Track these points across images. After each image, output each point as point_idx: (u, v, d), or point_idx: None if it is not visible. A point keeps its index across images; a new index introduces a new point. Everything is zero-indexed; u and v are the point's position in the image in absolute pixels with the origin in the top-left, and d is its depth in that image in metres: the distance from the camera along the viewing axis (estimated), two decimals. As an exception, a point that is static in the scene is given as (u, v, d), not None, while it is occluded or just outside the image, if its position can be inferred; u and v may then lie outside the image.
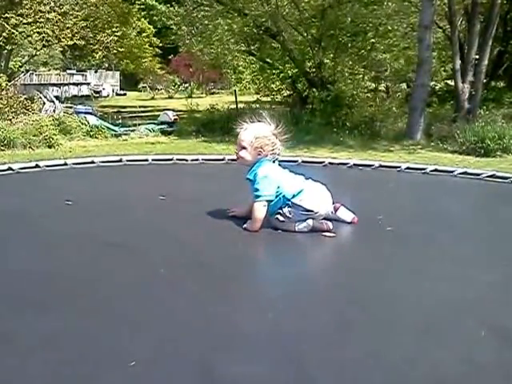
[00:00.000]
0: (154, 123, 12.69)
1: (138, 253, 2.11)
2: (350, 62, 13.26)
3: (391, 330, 1.47)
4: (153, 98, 26.44)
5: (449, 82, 14.22)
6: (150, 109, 19.01)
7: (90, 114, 13.09)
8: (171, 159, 4.73)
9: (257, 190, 2.26)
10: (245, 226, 2.27)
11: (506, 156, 8.07)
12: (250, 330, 1.44)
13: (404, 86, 15.14)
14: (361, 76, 13.50)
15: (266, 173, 2.27)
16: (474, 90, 10.08)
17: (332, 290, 1.78)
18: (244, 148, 2.31)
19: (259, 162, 2.31)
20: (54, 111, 12.90)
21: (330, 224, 2.25)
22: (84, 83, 27.13)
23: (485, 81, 11.40)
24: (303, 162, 4.71)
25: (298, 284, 1.84)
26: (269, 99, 15.56)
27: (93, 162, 4.42)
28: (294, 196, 2.23)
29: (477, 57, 10.09)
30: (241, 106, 13.49)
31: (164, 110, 14.92)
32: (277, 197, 2.25)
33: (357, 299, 1.69)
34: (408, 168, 4.55)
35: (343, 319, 1.53)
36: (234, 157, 2.45)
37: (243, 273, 1.94)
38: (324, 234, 2.22)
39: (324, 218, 2.28)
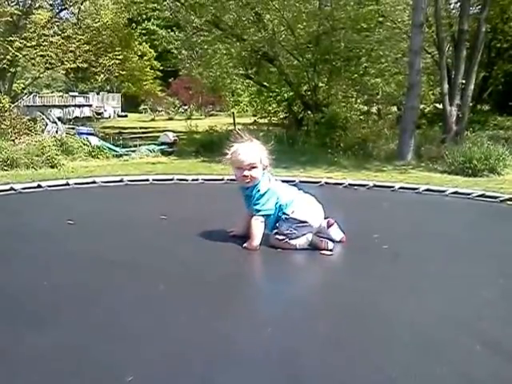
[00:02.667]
0: (155, 144, 12.81)
1: (139, 270, 2.11)
2: (344, 86, 13.56)
3: (389, 347, 1.49)
4: (153, 120, 26.61)
5: (437, 105, 14.59)
6: (150, 130, 19.20)
7: (92, 134, 13.12)
8: (172, 179, 4.81)
9: (256, 204, 2.32)
10: (245, 245, 2.30)
11: (493, 176, 8.25)
12: (248, 347, 1.46)
13: (395, 108, 15.48)
14: (354, 99, 13.83)
15: (267, 187, 2.36)
16: (461, 112, 10.40)
17: (329, 308, 1.78)
18: (254, 167, 2.33)
19: (262, 177, 2.36)
20: (57, 132, 12.83)
21: (330, 244, 2.30)
22: (86, 105, 27.45)
23: (471, 104, 11.75)
24: (300, 181, 4.84)
25: (296, 301, 1.84)
26: (265, 121, 15.82)
27: (94, 182, 4.42)
28: (286, 205, 2.30)
29: (463, 81, 10.42)
30: (239, 127, 13.78)
31: (164, 131, 15.05)
32: (276, 208, 2.32)
33: (354, 317, 1.68)
34: (401, 188, 4.64)
35: (341, 336, 1.54)
36: (238, 178, 2.39)
37: (242, 290, 1.96)
38: (322, 252, 2.26)
39: (317, 233, 2.34)
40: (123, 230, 2.82)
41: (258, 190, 2.34)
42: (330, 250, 2.27)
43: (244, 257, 2.29)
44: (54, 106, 24.81)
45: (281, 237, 2.29)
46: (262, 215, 2.32)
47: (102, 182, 4.39)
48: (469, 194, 4.32)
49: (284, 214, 2.31)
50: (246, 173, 2.32)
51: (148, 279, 2.00)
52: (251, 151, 2.35)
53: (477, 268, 2.31)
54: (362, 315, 1.70)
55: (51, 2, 19.05)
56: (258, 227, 2.30)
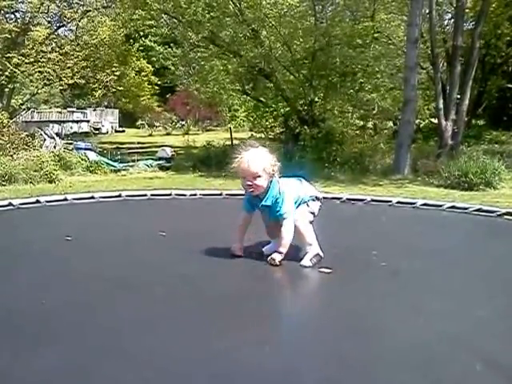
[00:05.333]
0: (153, 159, 12.92)
1: (139, 288, 2.08)
2: (340, 101, 13.62)
3: (389, 366, 1.49)
4: (151, 135, 26.63)
5: (433, 119, 14.72)
6: (148, 145, 19.28)
7: (90, 150, 13.22)
8: (170, 194, 4.80)
9: (281, 209, 2.35)
10: (274, 256, 2.30)
11: (488, 190, 8.28)
12: (249, 366, 1.44)
13: (391, 123, 15.58)
14: (350, 114, 13.92)
15: (283, 190, 2.40)
16: (456, 127, 10.50)
17: (329, 327, 1.76)
18: (259, 177, 2.34)
19: (272, 184, 2.39)
20: (55, 147, 12.93)
21: (320, 253, 2.36)
22: (84, 120, 27.49)
23: (466, 119, 11.89)
24: None
25: (296, 319, 1.84)
26: (262, 136, 15.92)
27: (93, 198, 4.39)
28: (302, 198, 2.45)
29: (458, 96, 10.57)
30: (236, 142, 13.85)
31: (162, 146, 15.17)
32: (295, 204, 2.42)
33: (354, 335, 1.68)
34: (398, 202, 4.64)
35: (341, 355, 1.53)
36: (243, 187, 2.41)
37: (243, 307, 1.93)
38: (321, 270, 2.26)
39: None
40: (122, 246, 2.80)
41: (277, 199, 2.37)
42: (330, 269, 2.26)
43: (244, 273, 2.29)
44: (52, 122, 24.85)
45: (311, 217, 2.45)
46: (290, 218, 2.36)
47: (101, 197, 4.39)
48: (466, 209, 4.32)
49: (305, 201, 2.45)
50: (250, 182, 2.34)
51: (148, 297, 1.99)
52: (255, 161, 2.35)
53: (474, 285, 2.29)
54: (362, 334, 1.70)
55: (49, 19, 19.21)
56: (291, 232, 2.35)
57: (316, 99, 13.27)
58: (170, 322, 1.74)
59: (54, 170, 9.93)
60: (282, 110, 14.58)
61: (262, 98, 15.05)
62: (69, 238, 2.80)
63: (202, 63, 14.66)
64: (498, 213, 4.24)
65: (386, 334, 1.71)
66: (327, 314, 1.90)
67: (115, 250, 2.73)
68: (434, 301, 2.04)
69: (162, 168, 12.26)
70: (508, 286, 2.28)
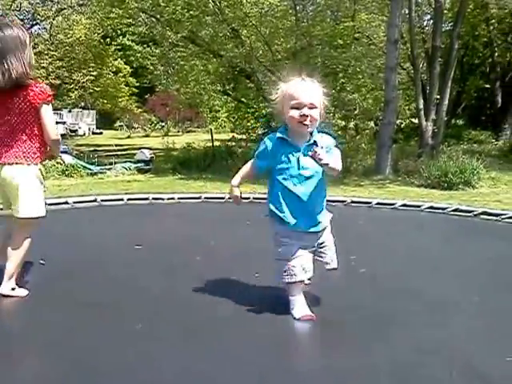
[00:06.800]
0: (131, 161, 12.67)
1: (114, 310, 2.00)
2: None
3: (370, 377, 1.50)
4: (129, 137, 26.31)
5: (413, 119, 14.82)
6: (126, 147, 19.00)
7: (66, 153, 12.84)
8: (147, 198, 4.69)
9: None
10: (320, 152, 1.88)
11: (467, 189, 8.34)
12: None
13: (372, 124, 15.65)
14: (331, 114, 13.95)
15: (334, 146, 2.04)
16: (436, 127, 10.53)
17: (307, 343, 1.78)
18: (315, 108, 1.94)
19: (314, 133, 2.01)
20: None
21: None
22: (60, 122, 27.05)
23: (446, 119, 11.95)
24: None
25: (277, 340, 1.80)
26: (244, 137, 15.83)
27: (66, 203, 4.31)
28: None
29: (438, 97, 10.59)
30: (217, 143, 13.74)
31: (140, 148, 14.96)
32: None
33: (334, 349, 1.70)
34: (378, 203, 4.68)
35: (322, 367, 1.55)
36: (291, 121, 1.94)
37: (224, 328, 1.87)
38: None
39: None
40: (95, 264, 2.65)
41: (329, 148, 1.99)
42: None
43: (225, 290, 2.18)
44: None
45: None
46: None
47: (74, 202, 4.25)
48: (444, 209, 4.42)
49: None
50: (306, 111, 1.93)
51: (123, 318, 1.89)
52: (315, 87, 1.99)
53: (452, 290, 2.29)
54: (339, 348, 1.67)
55: (22, 17, 18.76)
56: (340, 166, 2.03)
57: (297, 99, 13.18)
58: (145, 343, 1.66)
59: (28, 173, 9.67)
60: (263, 111, 14.51)
61: (243, 99, 14.97)
62: (41, 262, 2.61)
63: (182, 63, 14.49)
64: (475, 213, 4.32)
65: (364, 347, 1.67)
66: (305, 331, 1.86)
67: (88, 269, 2.57)
68: (410, 310, 2.03)
69: (140, 171, 12.04)
70: (483, 287, 2.33)
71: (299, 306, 1.98)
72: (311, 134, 1.98)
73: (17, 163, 2.20)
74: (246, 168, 2.19)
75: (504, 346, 1.73)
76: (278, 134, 2.03)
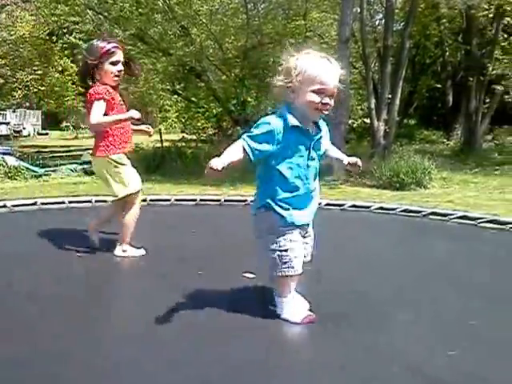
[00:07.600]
0: (77, 163, 12.36)
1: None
2: (273, 101, 13.61)
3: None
4: (76, 138, 25.71)
5: (365, 119, 14.94)
6: (73, 148, 18.42)
7: (9, 154, 12.52)
8: (90, 201, 4.51)
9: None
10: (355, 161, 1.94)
11: (419, 189, 8.36)
12: None
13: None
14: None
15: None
16: (388, 127, 10.55)
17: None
18: (333, 95, 1.79)
19: None
20: None
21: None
22: (3, 123, 26.00)
23: (398, 119, 12.03)
24: (225, 200, 4.61)
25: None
26: (194, 137, 15.61)
27: (5, 206, 4.13)
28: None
29: (390, 96, 10.62)
30: (166, 144, 13.42)
31: (87, 149, 14.52)
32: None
33: (288, 364, 1.69)
34: (327, 204, 4.67)
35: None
36: (309, 105, 1.78)
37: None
38: (245, 274, 2.17)
39: None
40: (29, 283, 2.43)
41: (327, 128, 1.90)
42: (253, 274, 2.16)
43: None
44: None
45: None
46: None
47: (13, 205, 4.19)
48: (393, 210, 4.55)
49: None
50: (329, 100, 1.77)
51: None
52: (338, 73, 1.80)
53: (400, 292, 2.34)
54: (294, 364, 1.66)
55: (-39, 13, 17.90)
56: None
57: (249, 99, 13.07)
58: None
59: (-34, 176, 9.29)
60: (214, 111, 14.32)
61: (193, 98, 14.80)
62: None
63: (130, 61, 14.05)
64: (424, 213, 4.40)
65: (316, 367, 1.66)
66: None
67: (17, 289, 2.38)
68: (360, 313, 2.02)
69: (87, 173, 11.67)
70: (432, 288, 2.35)
71: (298, 307, 1.91)
72: None
73: None
74: (236, 151, 1.80)
75: (448, 341, 1.78)
76: (291, 120, 1.80)
